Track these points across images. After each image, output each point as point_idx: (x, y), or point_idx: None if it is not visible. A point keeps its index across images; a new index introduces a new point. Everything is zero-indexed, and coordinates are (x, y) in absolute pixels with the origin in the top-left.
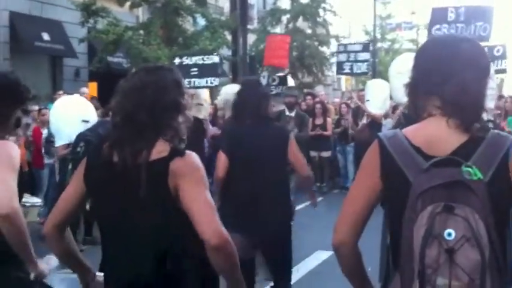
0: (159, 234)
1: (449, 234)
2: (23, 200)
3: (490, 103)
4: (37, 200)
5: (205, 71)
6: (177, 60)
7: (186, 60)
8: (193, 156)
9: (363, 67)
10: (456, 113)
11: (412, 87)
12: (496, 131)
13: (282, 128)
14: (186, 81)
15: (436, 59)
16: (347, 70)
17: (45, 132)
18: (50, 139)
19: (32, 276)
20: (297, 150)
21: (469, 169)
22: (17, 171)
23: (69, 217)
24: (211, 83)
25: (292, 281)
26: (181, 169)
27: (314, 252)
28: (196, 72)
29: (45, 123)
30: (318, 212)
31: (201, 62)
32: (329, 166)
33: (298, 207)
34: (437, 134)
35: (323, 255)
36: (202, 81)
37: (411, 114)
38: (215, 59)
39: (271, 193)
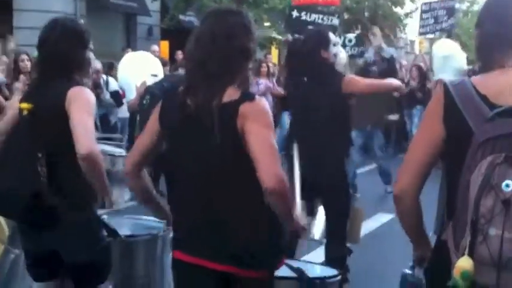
0: (229, 176)
1: (507, 186)
2: (112, 149)
3: None
4: (123, 151)
5: None
6: (294, 14)
7: (305, 16)
8: (262, 101)
9: None
10: None
11: (486, 41)
12: None
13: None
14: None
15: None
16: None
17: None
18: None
19: (107, 204)
20: None
21: None
22: (93, 117)
23: (146, 157)
24: None
25: None
26: (250, 112)
27: (375, 214)
28: None
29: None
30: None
31: (320, 21)
32: (396, 129)
33: (360, 171)
34: (506, 84)
35: (384, 217)
36: None
37: (480, 69)
38: (335, 21)
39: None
